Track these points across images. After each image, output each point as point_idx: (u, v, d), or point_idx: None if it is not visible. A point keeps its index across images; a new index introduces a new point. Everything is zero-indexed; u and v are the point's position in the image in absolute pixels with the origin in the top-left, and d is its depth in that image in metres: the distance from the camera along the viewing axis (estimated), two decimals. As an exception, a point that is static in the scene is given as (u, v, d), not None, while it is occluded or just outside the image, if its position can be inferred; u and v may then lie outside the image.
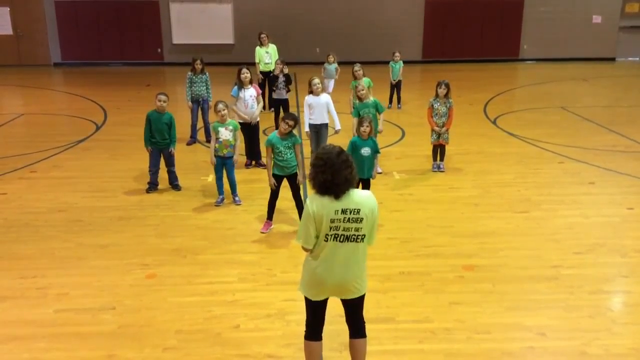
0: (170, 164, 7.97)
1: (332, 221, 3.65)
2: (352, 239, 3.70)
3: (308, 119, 8.29)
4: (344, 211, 3.65)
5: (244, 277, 5.71)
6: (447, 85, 8.45)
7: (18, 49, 19.32)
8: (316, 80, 8.33)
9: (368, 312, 4.15)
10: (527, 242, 6.48)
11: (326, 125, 8.40)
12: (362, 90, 8.18)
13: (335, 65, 12.99)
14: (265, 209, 6.82)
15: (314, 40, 19.17)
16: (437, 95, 8.51)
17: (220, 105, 7.34)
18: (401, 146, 10.25)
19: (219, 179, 7.49)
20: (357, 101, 8.38)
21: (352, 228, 3.67)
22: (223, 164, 7.42)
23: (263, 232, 6.71)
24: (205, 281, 5.63)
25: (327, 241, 3.70)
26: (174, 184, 8.03)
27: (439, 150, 8.78)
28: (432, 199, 7.78)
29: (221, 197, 7.53)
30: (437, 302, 5.26)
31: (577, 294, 5.39)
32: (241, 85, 8.63)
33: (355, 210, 3.66)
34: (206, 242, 6.48)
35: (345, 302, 3.97)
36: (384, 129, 8.95)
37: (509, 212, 7.32)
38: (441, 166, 8.81)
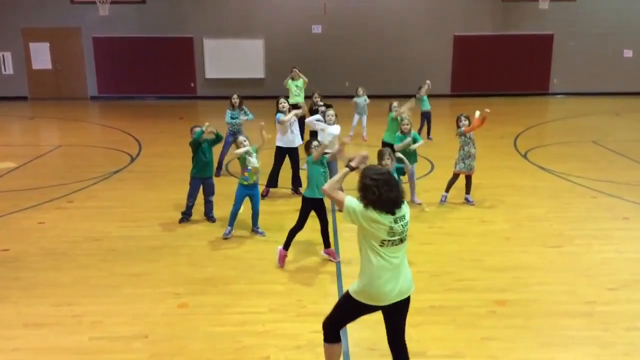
0: (209, 193, 8.02)
1: (391, 228, 3.94)
2: (404, 240, 4.05)
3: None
4: (396, 220, 3.96)
5: (274, 307, 5.75)
6: (467, 118, 8.82)
7: (57, 82, 19.98)
8: (331, 112, 8.92)
9: (399, 344, 4.14)
10: (560, 277, 6.39)
11: (336, 162, 8.24)
12: (407, 125, 8.60)
13: (365, 97, 13.18)
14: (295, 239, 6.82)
15: (344, 74, 19.40)
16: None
17: (241, 138, 7.43)
18: (430, 179, 10.25)
19: (235, 211, 7.39)
20: (400, 133, 8.71)
21: (403, 232, 4.02)
22: (248, 195, 7.43)
23: (280, 267, 6.66)
24: (235, 311, 5.68)
25: (382, 246, 3.95)
26: (209, 216, 8.08)
27: (465, 182, 8.75)
28: (462, 232, 7.75)
29: (229, 228, 7.49)
30: (469, 337, 5.20)
31: (612, 331, 5.28)
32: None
33: (402, 217, 4.02)
34: (237, 272, 6.55)
35: (397, 308, 4.06)
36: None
37: (541, 246, 7.24)
38: (470, 199, 8.78)
